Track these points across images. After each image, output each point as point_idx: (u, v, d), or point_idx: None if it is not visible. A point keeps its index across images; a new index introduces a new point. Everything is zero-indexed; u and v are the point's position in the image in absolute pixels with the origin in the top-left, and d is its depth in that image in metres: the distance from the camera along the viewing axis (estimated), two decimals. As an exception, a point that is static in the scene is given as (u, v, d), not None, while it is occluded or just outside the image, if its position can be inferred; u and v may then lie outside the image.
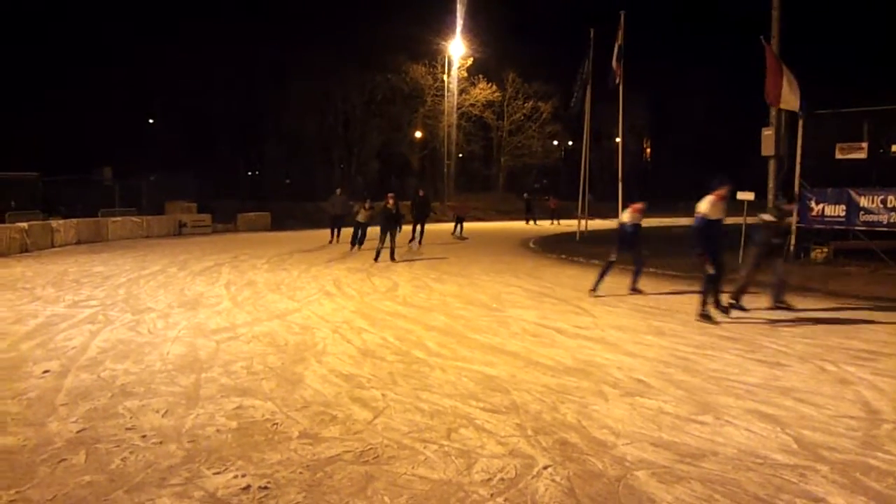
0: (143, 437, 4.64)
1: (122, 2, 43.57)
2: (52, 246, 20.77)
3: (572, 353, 7.11)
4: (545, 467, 4.14)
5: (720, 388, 5.81)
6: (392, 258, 16.46)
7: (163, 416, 5.08)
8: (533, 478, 4.01)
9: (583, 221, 24.28)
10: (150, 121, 49.88)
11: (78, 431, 4.75)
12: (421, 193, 22.44)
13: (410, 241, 20.00)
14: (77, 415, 5.10)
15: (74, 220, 23.49)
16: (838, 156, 14.84)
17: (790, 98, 14.62)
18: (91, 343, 7.50)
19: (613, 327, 8.53)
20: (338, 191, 22.83)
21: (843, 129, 15.13)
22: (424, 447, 4.45)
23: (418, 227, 20.76)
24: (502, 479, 3.99)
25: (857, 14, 54.66)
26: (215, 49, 41.80)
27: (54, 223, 21.96)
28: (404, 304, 10.43)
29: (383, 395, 5.61)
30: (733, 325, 8.62)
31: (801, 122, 15.09)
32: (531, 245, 22.08)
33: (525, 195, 42.48)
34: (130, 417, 5.04)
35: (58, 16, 41.99)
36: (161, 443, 4.53)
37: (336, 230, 21.83)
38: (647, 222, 12.68)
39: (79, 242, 22.48)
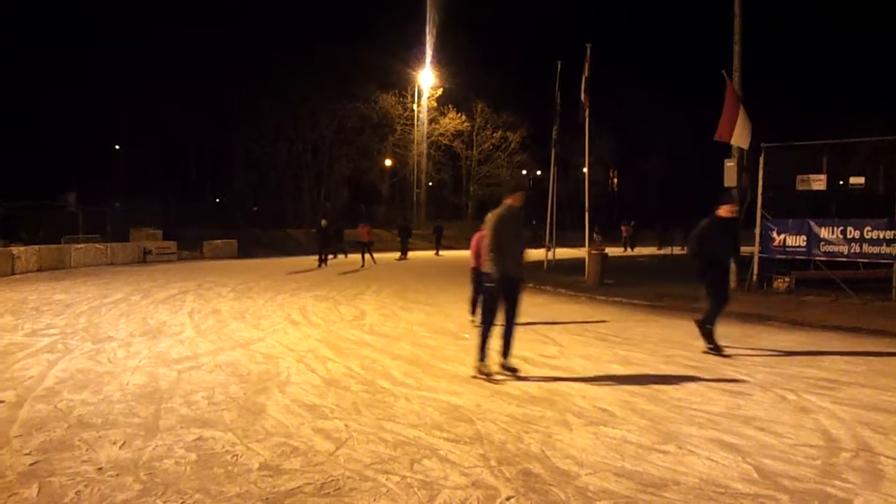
0: (99, 469, 4.53)
1: (88, 24, 43.37)
2: (13, 273, 20.37)
3: (538, 383, 7.12)
4: (508, 498, 4.11)
5: (683, 418, 5.84)
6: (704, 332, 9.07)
7: (120, 447, 4.97)
8: (495, 509, 3.98)
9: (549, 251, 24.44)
10: (117, 147, 49.43)
11: (31, 464, 4.63)
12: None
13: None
14: (31, 447, 4.97)
15: (36, 247, 23.09)
16: (799, 187, 15.14)
17: (741, 135, 14.97)
18: (49, 373, 7.34)
19: (579, 356, 8.56)
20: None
21: (803, 161, 15.46)
22: (387, 479, 4.41)
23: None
24: (465, 511, 3.96)
25: (819, 49, 56.30)
26: (185, 75, 41.70)
27: (15, 250, 21.55)
28: (371, 332, 10.38)
29: (346, 425, 5.55)
30: (697, 355, 8.70)
31: (762, 154, 15.41)
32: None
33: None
34: (87, 449, 4.92)
35: (21, 39, 41.59)
36: (117, 475, 4.43)
37: None
38: (612, 251, 12.81)
39: (40, 269, 22.08)
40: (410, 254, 32.58)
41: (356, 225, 29.78)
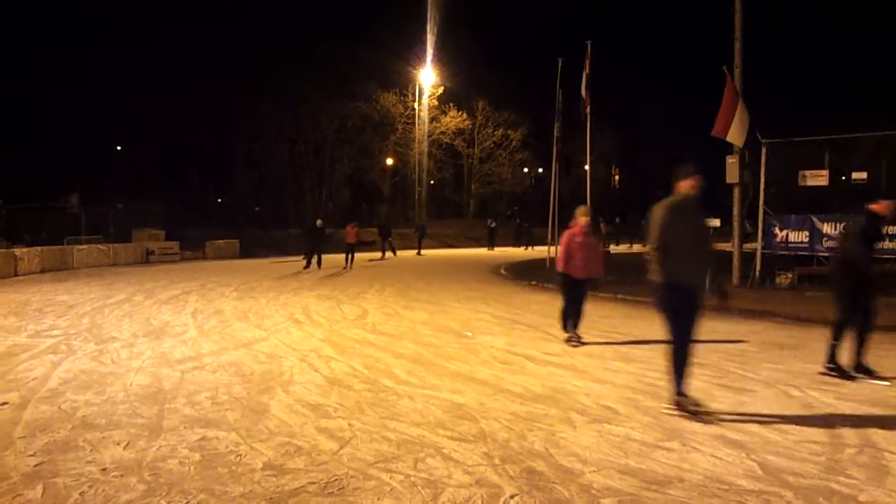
0: (103, 470, 4.54)
1: (88, 24, 43.39)
2: (16, 274, 20.39)
3: (541, 381, 7.11)
4: (512, 496, 4.11)
5: (687, 414, 5.83)
6: None
7: (124, 448, 4.97)
8: (500, 507, 3.97)
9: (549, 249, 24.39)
10: (118, 147, 49.46)
11: (35, 465, 4.63)
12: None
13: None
14: (35, 448, 4.97)
15: (39, 248, 23.10)
16: (801, 183, 15.13)
17: (737, 132, 14.96)
18: (52, 374, 7.35)
19: (582, 354, 8.55)
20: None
21: (805, 156, 15.45)
22: (390, 477, 4.41)
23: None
24: (469, 509, 3.95)
25: (820, 46, 56.23)
26: (185, 75, 41.70)
27: (17, 251, 21.58)
28: (374, 331, 10.38)
29: (350, 424, 5.55)
30: (701, 352, 8.67)
31: (763, 150, 15.40)
32: (502, 271, 22.13)
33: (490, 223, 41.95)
34: (90, 450, 4.92)
35: (21, 39, 41.59)
36: (121, 476, 4.43)
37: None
38: (615, 249, 12.72)
39: (43, 271, 22.09)
40: (400, 253, 32.09)
41: (344, 225, 29.30)
